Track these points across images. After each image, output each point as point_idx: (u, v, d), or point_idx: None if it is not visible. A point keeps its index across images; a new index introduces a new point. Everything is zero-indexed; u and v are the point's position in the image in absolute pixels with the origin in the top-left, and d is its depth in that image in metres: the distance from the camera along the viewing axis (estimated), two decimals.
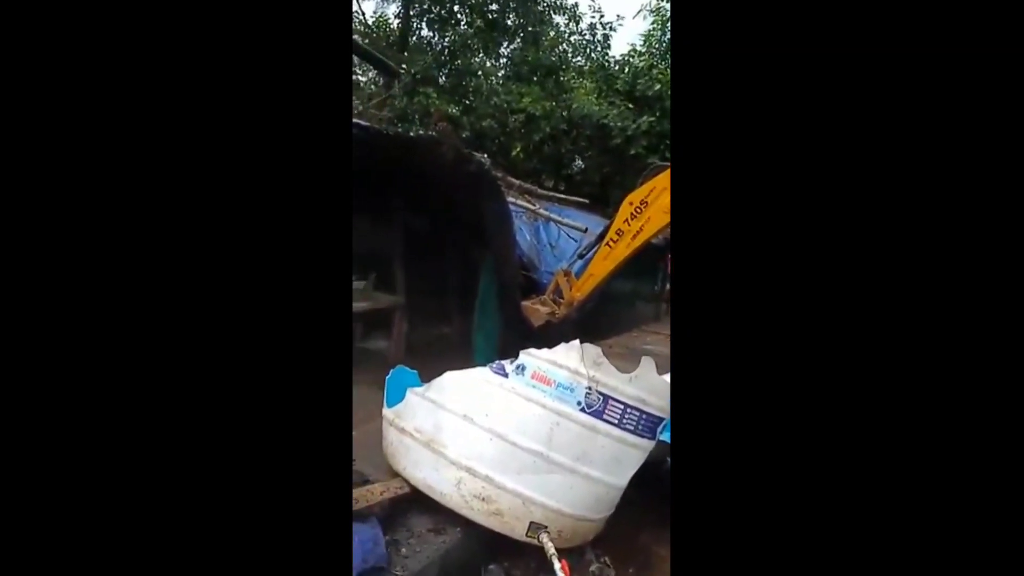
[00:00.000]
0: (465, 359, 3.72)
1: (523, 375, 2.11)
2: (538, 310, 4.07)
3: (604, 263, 3.77)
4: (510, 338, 3.82)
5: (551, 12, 10.20)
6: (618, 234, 3.65)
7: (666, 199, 3.40)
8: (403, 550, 1.94)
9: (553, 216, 5.20)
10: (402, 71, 8.76)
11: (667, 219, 3.39)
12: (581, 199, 6.90)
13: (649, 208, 3.48)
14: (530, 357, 2.14)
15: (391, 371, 2.70)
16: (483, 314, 4.42)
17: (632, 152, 7.86)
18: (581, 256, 4.21)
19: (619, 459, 2.03)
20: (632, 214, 3.56)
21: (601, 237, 3.86)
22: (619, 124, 8.03)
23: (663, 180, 3.45)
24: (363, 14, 10.34)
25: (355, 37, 8.70)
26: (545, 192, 6.40)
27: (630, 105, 8.37)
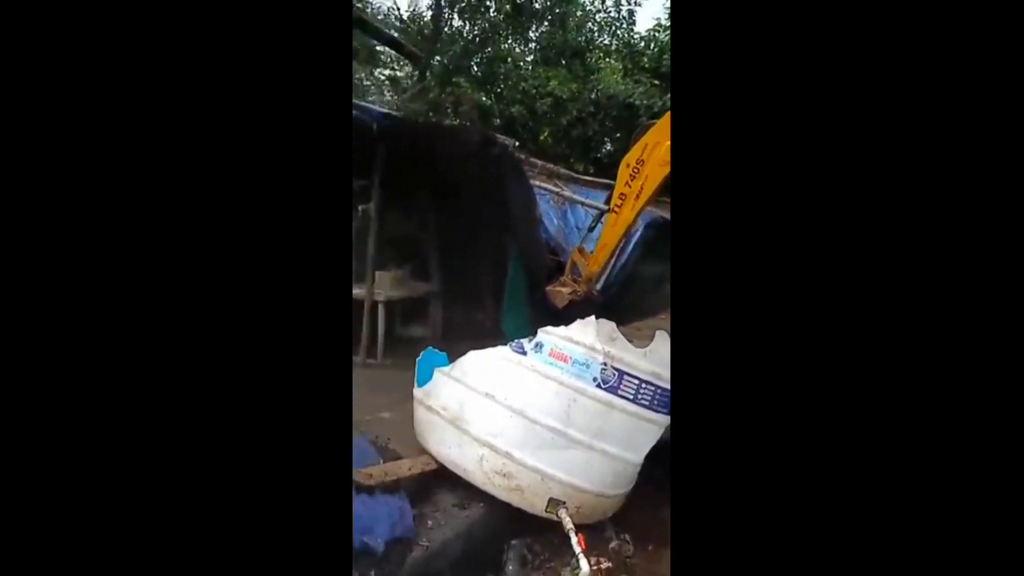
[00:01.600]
0: (498, 343, 3.79)
1: (541, 353, 2.15)
2: (560, 291, 4.11)
3: (613, 230, 3.83)
4: (539, 322, 3.88)
5: None
6: (621, 198, 3.71)
7: (660, 152, 3.43)
8: (429, 523, 2.03)
9: (577, 197, 5.18)
10: (436, 62, 8.84)
11: (666, 170, 3.41)
12: (609, 180, 6.82)
13: (645, 166, 3.54)
14: (547, 335, 2.18)
15: (421, 353, 2.80)
16: (512, 299, 4.47)
17: None
18: (591, 229, 4.25)
19: (635, 434, 2.05)
20: (631, 175, 3.63)
21: (607, 205, 3.90)
22: (645, 102, 7.86)
23: (654, 135, 3.50)
24: (399, 9, 10.52)
25: (392, 32, 8.84)
26: (570, 173, 6.36)
27: (656, 82, 8.17)
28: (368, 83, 8.87)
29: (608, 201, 3.90)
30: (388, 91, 8.36)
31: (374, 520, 1.82)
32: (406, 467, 2.19)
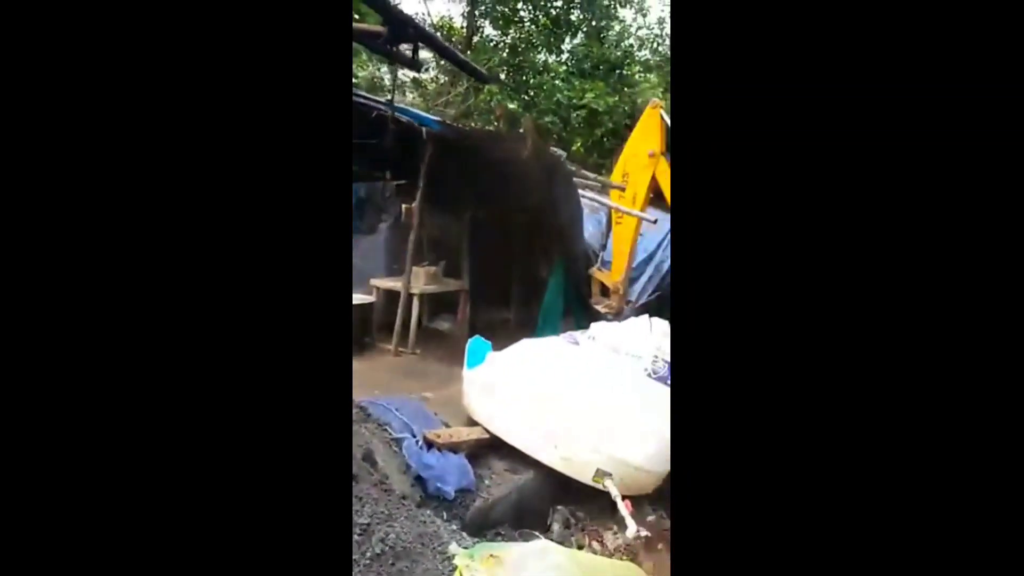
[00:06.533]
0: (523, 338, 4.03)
1: (595, 343, 2.40)
2: (597, 310, 4.41)
3: (621, 238, 4.36)
4: (583, 319, 4.13)
5: (617, 6, 10.24)
6: (618, 212, 4.29)
7: (639, 159, 4.05)
8: (486, 482, 2.29)
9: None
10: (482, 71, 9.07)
11: (648, 172, 4.01)
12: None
13: (631, 175, 4.15)
14: (601, 329, 2.44)
15: (469, 341, 3.06)
16: (552, 298, 4.70)
17: None
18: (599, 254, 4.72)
19: None
20: (622, 188, 4.23)
21: (608, 224, 4.50)
22: None
23: (630, 146, 4.17)
24: (428, 14, 10.61)
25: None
26: (605, 181, 6.60)
27: None
28: (387, 82, 8.99)
29: (609, 218, 4.48)
30: (411, 92, 8.56)
31: (445, 472, 2.10)
32: (465, 434, 2.44)
